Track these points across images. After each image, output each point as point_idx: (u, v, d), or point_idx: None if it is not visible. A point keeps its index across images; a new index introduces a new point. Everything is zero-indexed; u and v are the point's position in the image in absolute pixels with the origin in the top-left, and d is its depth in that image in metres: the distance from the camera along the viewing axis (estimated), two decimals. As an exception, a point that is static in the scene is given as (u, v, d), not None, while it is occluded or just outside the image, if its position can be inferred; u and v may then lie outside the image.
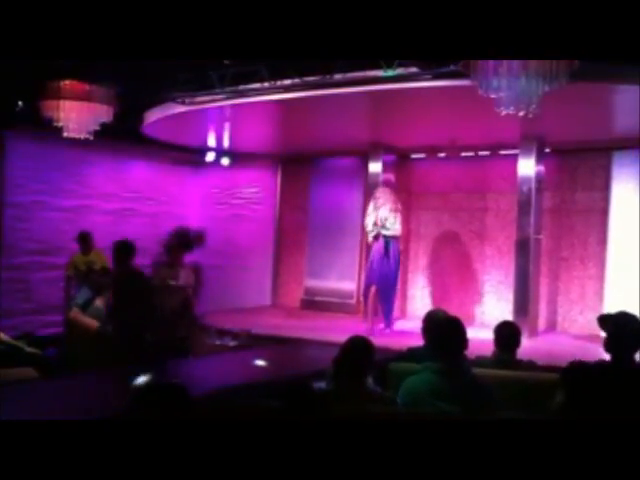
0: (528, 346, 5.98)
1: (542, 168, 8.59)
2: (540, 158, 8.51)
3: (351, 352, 3.31)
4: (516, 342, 4.40)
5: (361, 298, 9.40)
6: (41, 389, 4.66)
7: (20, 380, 4.99)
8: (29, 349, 5.88)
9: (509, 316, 7.87)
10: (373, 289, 8.18)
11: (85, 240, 8.31)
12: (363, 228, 10.04)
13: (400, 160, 9.98)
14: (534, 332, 8.30)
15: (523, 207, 8.44)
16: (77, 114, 6.98)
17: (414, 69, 6.16)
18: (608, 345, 3.50)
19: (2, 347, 5.70)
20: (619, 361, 3.44)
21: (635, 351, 3.54)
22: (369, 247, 8.48)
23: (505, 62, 4.75)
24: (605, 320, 3.68)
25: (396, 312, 9.84)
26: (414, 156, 10.10)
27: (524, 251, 8.41)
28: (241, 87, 7.16)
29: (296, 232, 11.04)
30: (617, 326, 3.51)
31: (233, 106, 7.53)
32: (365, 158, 9.81)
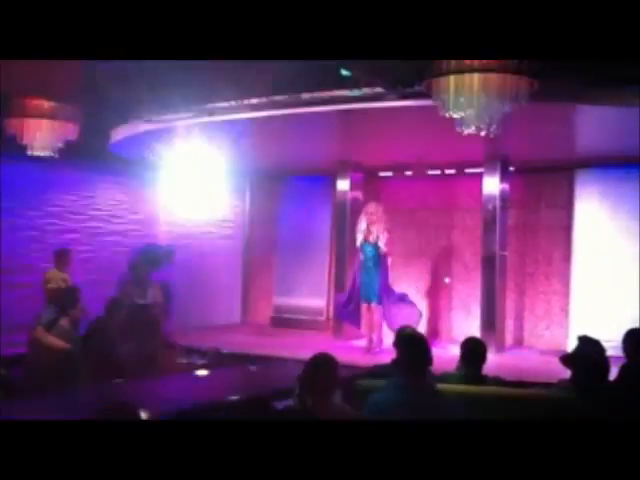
0: (495, 361, 6.06)
1: (506, 186, 8.74)
2: (504, 176, 8.66)
3: (315, 369, 3.32)
4: (482, 357, 4.44)
5: (331, 315, 9.44)
6: (5, 410, 4.58)
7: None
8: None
9: (477, 332, 7.96)
10: (368, 305, 8.39)
11: (62, 257, 8.24)
12: (332, 245, 10.11)
13: (368, 178, 10.05)
14: (501, 347, 8.40)
15: (488, 224, 8.56)
16: (41, 132, 6.92)
17: (380, 89, 6.24)
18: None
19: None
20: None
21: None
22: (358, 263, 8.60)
23: (466, 82, 4.84)
24: (568, 359, 3.79)
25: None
26: (382, 174, 10.20)
27: (490, 267, 8.52)
28: (209, 105, 7.17)
29: (265, 249, 11.03)
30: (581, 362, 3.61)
31: (201, 125, 7.53)
32: (334, 176, 9.87)
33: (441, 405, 3.32)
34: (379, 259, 8.32)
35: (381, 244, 8.27)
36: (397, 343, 3.74)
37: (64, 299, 6.47)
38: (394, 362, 3.68)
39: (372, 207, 8.50)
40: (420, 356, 3.37)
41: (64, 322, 5.86)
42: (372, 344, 8.19)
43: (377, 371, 4.47)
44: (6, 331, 8.59)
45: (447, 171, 9.59)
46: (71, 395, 4.59)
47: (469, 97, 4.93)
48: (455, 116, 5.15)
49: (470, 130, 5.23)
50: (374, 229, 8.31)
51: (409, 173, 9.67)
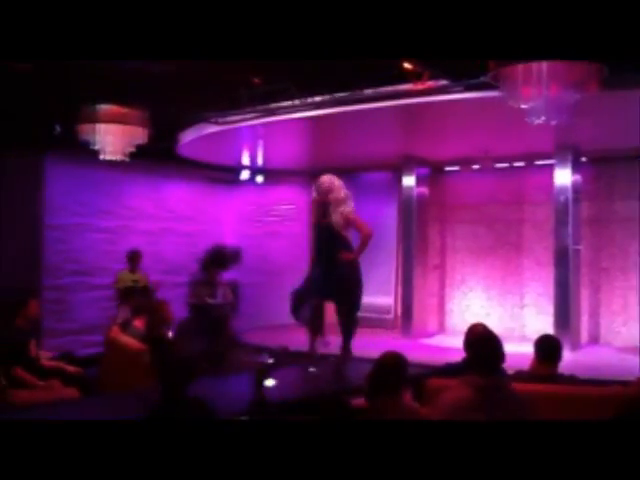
0: (570, 360, 5.87)
1: (579, 178, 8.47)
2: (576, 168, 8.39)
3: (384, 368, 3.30)
4: (557, 355, 4.32)
5: (399, 313, 9.35)
6: (82, 408, 4.73)
7: (62, 400, 5.08)
8: (71, 369, 5.97)
9: (550, 329, 7.74)
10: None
11: (134, 258, 8.49)
12: (398, 242, 10.02)
13: (434, 173, 9.93)
14: (576, 345, 8.15)
15: (560, 217, 8.32)
16: (113, 137, 7.11)
17: (445, 82, 6.14)
18: None
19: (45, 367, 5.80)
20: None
21: None
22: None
23: (534, 71, 4.71)
24: None
25: (435, 326, 9.82)
26: (448, 169, 10.05)
27: (563, 262, 8.28)
28: (272, 105, 7.21)
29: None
30: None
31: (265, 124, 7.59)
32: (398, 172, 9.78)
33: (515, 404, 3.23)
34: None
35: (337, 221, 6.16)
36: (469, 341, 3.66)
37: (139, 301, 6.63)
38: (466, 360, 3.61)
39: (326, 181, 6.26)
40: (493, 354, 3.29)
41: (138, 323, 5.99)
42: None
43: (448, 369, 4.40)
44: (82, 332, 8.89)
45: (516, 164, 9.38)
46: (144, 393, 4.68)
47: (537, 86, 4.80)
48: (523, 106, 5.02)
49: (539, 121, 5.09)
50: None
51: (476, 167, 9.49)
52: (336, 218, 6.06)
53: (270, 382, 5.43)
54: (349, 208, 6.21)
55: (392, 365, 3.31)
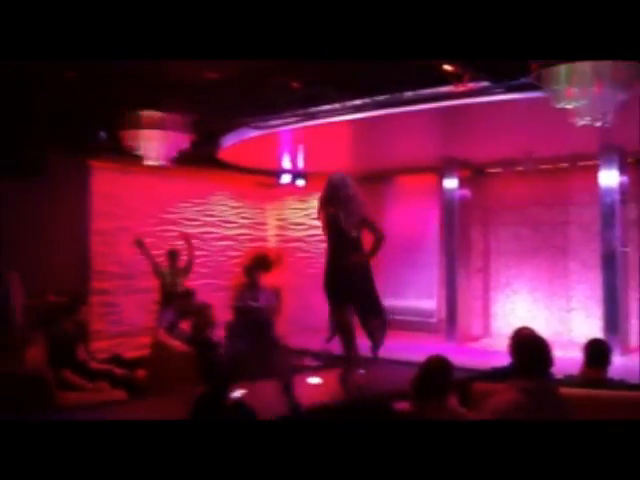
0: (620, 364, 5.75)
1: (625, 178, 8.29)
2: (623, 168, 8.21)
3: (429, 372, 3.27)
4: (606, 360, 4.23)
5: (443, 317, 9.28)
6: (129, 409, 4.80)
7: (110, 402, 5.17)
8: (119, 371, 6.08)
9: (598, 333, 7.59)
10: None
11: (173, 256, 8.68)
12: (441, 245, 9.94)
13: (476, 175, 9.83)
14: (626, 349, 7.96)
15: (607, 219, 8.15)
16: (156, 142, 7.23)
17: (486, 83, 6.08)
18: None
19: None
20: None
21: None
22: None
23: (579, 71, 4.63)
24: None
25: (479, 330, 9.71)
26: (490, 170, 9.94)
27: (611, 265, 8.11)
28: (312, 109, 7.23)
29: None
30: None
31: (305, 128, 7.62)
32: (440, 175, 9.72)
33: (563, 409, 3.17)
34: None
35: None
36: (515, 345, 3.61)
37: (183, 304, 6.72)
38: (513, 364, 3.56)
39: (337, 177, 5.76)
40: (541, 358, 3.24)
41: (183, 325, 6.06)
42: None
43: (495, 374, 4.35)
44: (130, 334, 9.04)
45: (560, 165, 9.23)
46: (190, 395, 4.72)
47: (582, 86, 4.72)
48: (568, 107, 4.94)
49: (584, 121, 5.00)
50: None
51: (520, 168, 9.36)
52: (347, 217, 5.49)
53: (314, 380, 5.48)
54: (362, 207, 5.71)
55: (437, 369, 3.29)
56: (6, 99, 6.69)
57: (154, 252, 9.12)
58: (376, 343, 5.74)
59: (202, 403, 3.11)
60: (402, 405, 3.39)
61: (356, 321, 5.78)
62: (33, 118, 7.31)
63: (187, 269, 8.75)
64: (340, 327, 5.75)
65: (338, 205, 5.46)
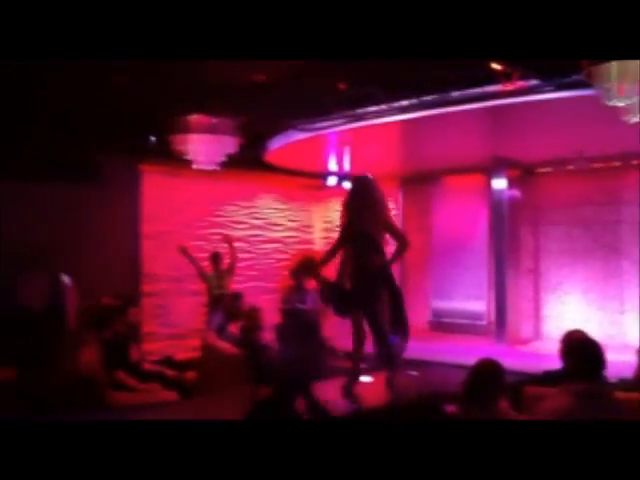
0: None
1: (681, 177, 8.07)
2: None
3: (480, 375, 3.24)
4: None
5: (492, 319, 9.16)
6: (179, 410, 4.87)
7: (162, 403, 5.25)
8: (170, 372, 6.18)
9: (653, 335, 7.39)
10: None
11: (216, 259, 8.79)
12: (489, 246, 9.82)
13: (525, 175, 9.69)
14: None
15: (661, 219, 7.94)
16: (205, 146, 7.32)
17: (535, 81, 5.98)
18: None
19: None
20: None
21: None
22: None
23: (629, 68, 4.52)
24: None
25: (529, 332, 9.56)
26: (540, 170, 9.78)
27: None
28: (359, 111, 7.23)
29: (420, 252, 10.94)
30: None
31: (352, 130, 7.61)
32: (488, 174, 9.60)
33: (618, 413, 3.10)
34: None
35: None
36: (568, 348, 3.55)
37: (232, 306, 6.79)
38: (565, 368, 3.50)
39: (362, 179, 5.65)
40: (594, 361, 3.18)
41: (232, 328, 6.13)
42: None
43: (547, 377, 4.27)
44: (180, 336, 9.18)
45: (611, 163, 9.02)
46: (239, 397, 4.78)
47: (634, 83, 4.61)
48: (619, 105, 4.83)
49: (636, 119, 4.89)
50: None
51: (570, 167, 9.19)
52: (370, 220, 5.25)
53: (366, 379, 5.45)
54: (387, 211, 5.55)
55: (489, 373, 3.26)
56: (59, 104, 6.88)
57: (202, 255, 9.25)
58: (391, 353, 5.36)
59: (265, 406, 3.13)
60: (451, 408, 3.37)
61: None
62: (85, 123, 7.49)
63: (230, 271, 8.84)
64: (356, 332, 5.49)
65: (362, 208, 5.27)
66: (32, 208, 7.84)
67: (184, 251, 8.67)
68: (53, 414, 4.41)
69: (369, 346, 5.48)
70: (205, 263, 8.90)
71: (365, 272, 5.19)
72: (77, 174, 8.20)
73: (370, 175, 5.60)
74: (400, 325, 5.31)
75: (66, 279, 7.38)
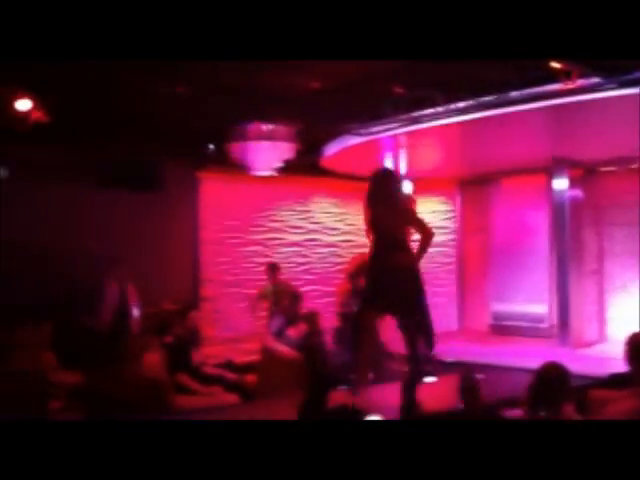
0: None
1: None
2: None
3: (545, 379, 3.19)
4: None
5: (555, 322, 8.96)
6: (239, 413, 4.93)
7: (224, 405, 5.33)
8: (231, 376, 6.26)
9: None
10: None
11: (272, 270, 8.76)
12: (551, 247, 9.63)
13: (588, 174, 9.47)
14: None
15: None
16: (262, 153, 7.41)
17: (596, 79, 5.84)
18: None
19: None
20: None
21: None
22: None
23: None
24: None
25: (593, 335, 9.33)
26: (603, 169, 9.54)
27: None
28: (415, 113, 7.19)
29: (479, 255, 10.81)
30: None
31: (409, 133, 7.58)
32: (549, 175, 9.42)
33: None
34: None
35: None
36: (633, 351, 3.46)
37: (291, 311, 6.84)
38: (632, 371, 3.41)
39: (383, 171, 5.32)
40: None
41: (291, 332, 6.18)
42: None
43: (613, 380, 4.16)
44: (240, 340, 9.29)
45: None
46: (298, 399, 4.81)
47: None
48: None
49: None
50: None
51: (634, 166, 8.93)
52: (392, 215, 4.89)
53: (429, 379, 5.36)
54: (407, 204, 5.25)
55: (554, 377, 3.21)
56: (123, 114, 7.07)
57: (260, 260, 9.35)
58: (417, 361, 4.91)
59: (305, 407, 3.16)
60: (515, 412, 3.32)
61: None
62: (147, 132, 7.67)
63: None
64: (358, 331, 5.08)
65: (383, 202, 4.89)
66: (99, 214, 8.07)
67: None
68: (119, 416, 4.52)
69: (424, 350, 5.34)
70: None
71: (388, 273, 4.79)
72: (140, 181, 8.40)
73: (388, 168, 5.23)
74: (424, 331, 4.92)
75: (129, 286, 7.57)
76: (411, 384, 4.75)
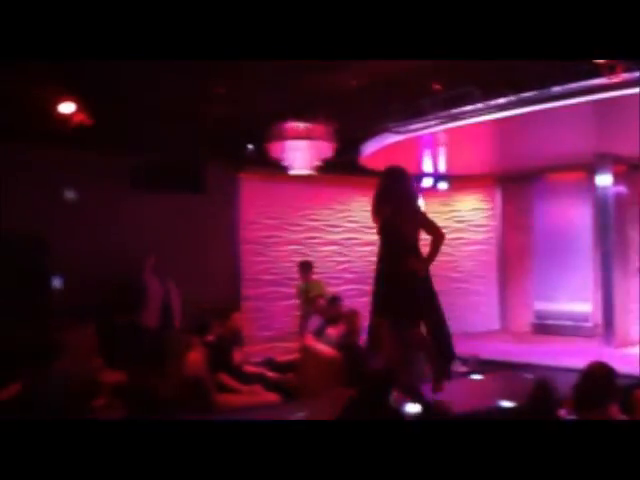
0: None
1: None
2: None
3: (591, 379, 3.13)
4: None
5: (599, 321, 8.81)
6: (279, 412, 4.95)
7: (265, 404, 5.36)
8: (271, 374, 6.29)
9: None
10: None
11: (303, 269, 8.80)
12: (594, 245, 9.45)
13: (632, 171, 9.27)
14: None
15: None
16: (301, 152, 7.44)
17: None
18: None
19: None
20: None
21: None
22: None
23: None
24: None
25: (639, 334, 9.13)
26: (648, 165, 9.34)
27: None
28: (454, 110, 7.13)
29: (521, 253, 10.66)
30: None
31: (448, 130, 7.52)
32: (591, 171, 9.25)
33: None
34: None
35: None
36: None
37: (329, 310, 6.86)
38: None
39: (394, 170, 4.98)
40: None
41: (331, 331, 6.18)
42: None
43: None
44: (280, 339, 9.34)
45: None
46: (338, 399, 4.80)
47: None
48: None
49: None
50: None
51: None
52: (402, 217, 4.66)
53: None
54: (417, 205, 5.03)
55: (600, 377, 3.15)
56: (167, 118, 7.16)
57: (298, 259, 9.37)
58: (435, 370, 4.77)
59: (357, 404, 3.15)
60: (563, 412, 3.28)
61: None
62: (189, 133, 7.75)
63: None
64: (375, 342, 4.87)
65: (393, 202, 4.70)
66: (142, 215, 8.19)
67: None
68: (163, 415, 4.58)
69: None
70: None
71: (397, 277, 4.59)
72: (185, 183, 8.49)
73: (399, 167, 4.96)
74: (437, 339, 4.75)
75: (171, 285, 7.66)
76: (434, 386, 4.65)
